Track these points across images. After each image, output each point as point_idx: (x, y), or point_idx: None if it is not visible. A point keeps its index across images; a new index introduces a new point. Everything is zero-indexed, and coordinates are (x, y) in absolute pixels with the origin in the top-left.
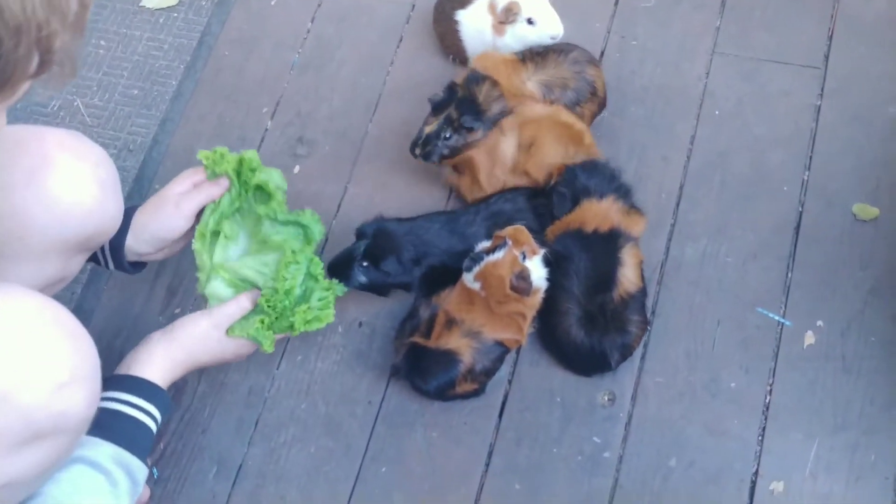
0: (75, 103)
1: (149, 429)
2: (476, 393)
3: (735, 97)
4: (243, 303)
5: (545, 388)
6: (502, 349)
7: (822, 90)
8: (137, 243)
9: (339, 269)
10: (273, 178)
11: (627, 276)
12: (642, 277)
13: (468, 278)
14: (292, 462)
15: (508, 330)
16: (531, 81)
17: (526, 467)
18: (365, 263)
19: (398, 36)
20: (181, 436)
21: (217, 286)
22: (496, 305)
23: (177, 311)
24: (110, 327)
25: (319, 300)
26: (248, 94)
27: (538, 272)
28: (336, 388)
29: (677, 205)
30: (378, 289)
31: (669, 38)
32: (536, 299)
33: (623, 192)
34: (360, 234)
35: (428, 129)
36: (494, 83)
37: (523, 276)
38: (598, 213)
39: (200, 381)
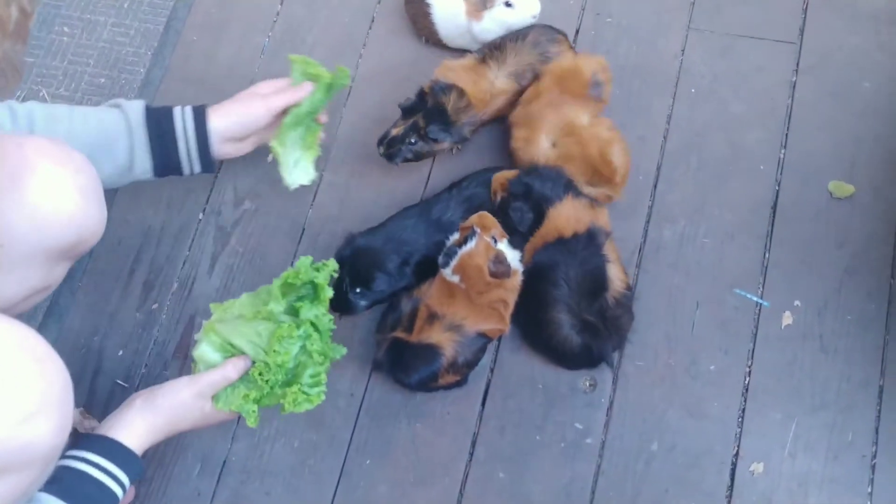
0: (41, 93)
1: (113, 494)
2: (459, 384)
3: (711, 74)
4: (229, 373)
5: (527, 375)
6: (484, 340)
7: (798, 66)
8: (221, 126)
9: (336, 305)
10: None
11: (617, 275)
12: (625, 272)
13: (447, 273)
14: (276, 457)
15: (490, 320)
16: (500, 78)
17: (509, 455)
18: (357, 290)
19: (370, 17)
20: None
21: (206, 351)
22: (477, 296)
23: (154, 306)
24: (87, 326)
25: (311, 377)
26: (220, 80)
27: (511, 254)
28: None
29: (655, 186)
30: (385, 301)
31: (645, 14)
32: (516, 282)
33: (575, 189)
34: (339, 260)
35: (395, 132)
36: (461, 92)
37: (500, 259)
38: (570, 216)
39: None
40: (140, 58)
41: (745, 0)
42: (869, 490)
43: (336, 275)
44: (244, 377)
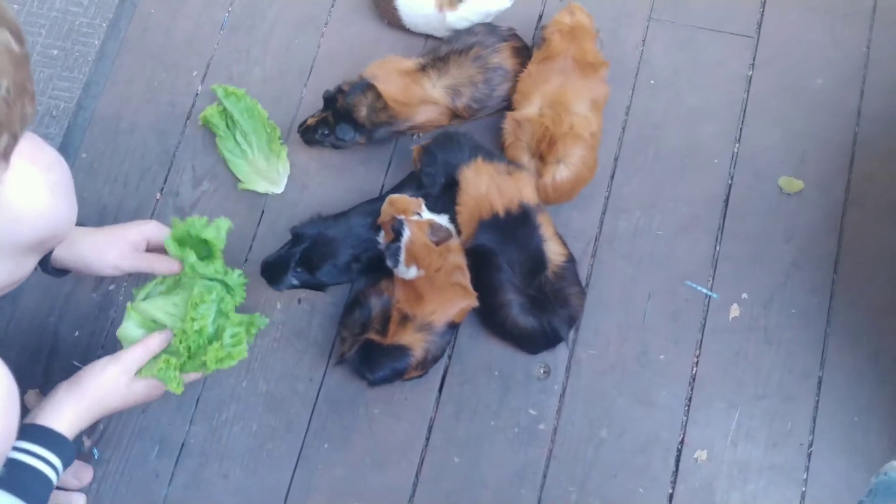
0: None
1: (48, 479)
2: (420, 376)
3: (670, 67)
4: (151, 345)
5: (484, 361)
6: (452, 331)
7: (755, 60)
8: (65, 255)
9: (272, 271)
10: (220, 234)
11: (553, 250)
12: (564, 244)
13: (402, 271)
14: (235, 440)
15: (457, 299)
16: (437, 88)
17: (465, 440)
18: (299, 269)
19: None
20: (121, 416)
21: (129, 328)
22: (437, 275)
23: (111, 287)
24: (42, 306)
25: (232, 337)
26: (177, 55)
27: (437, 217)
28: (277, 366)
29: (612, 177)
30: (313, 288)
31: (608, 2)
32: (457, 242)
33: (486, 153)
34: (297, 236)
35: (310, 121)
36: (378, 95)
37: (434, 227)
38: (486, 182)
39: None
40: (94, 29)
41: None
42: (804, 476)
43: (229, 232)
44: (167, 348)
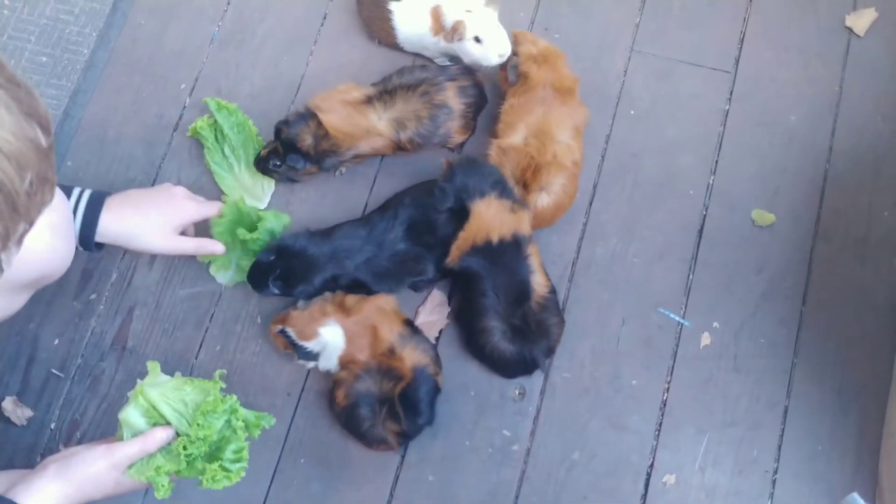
0: None
1: None
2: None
3: (650, 97)
4: (148, 446)
5: (460, 382)
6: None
7: (731, 94)
8: (110, 231)
9: (253, 278)
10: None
11: (539, 281)
12: (547, 275)
13: (332, 365)
14: None
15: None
16: (382, 120)
17: (440, 459)
18: (278, 283)
19: (322, 13)
20: (98, 424)
21: (132, 414)
22: (354, 312)
23: (92, 296)
24: (22, 312)
25: (234, 452)
26: (166, 67)
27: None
28: (255, 380)
29: (590, 204)
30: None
31: (591, 32)
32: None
33: (502, 189)
34: (281, 249)
35: (263, 152)
36: (319, 123)
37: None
38: (494, 221)
39: (118, 370)
40: (84, 38)
41: (687, 26)
42: (769, 503)
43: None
44: (165, 447)
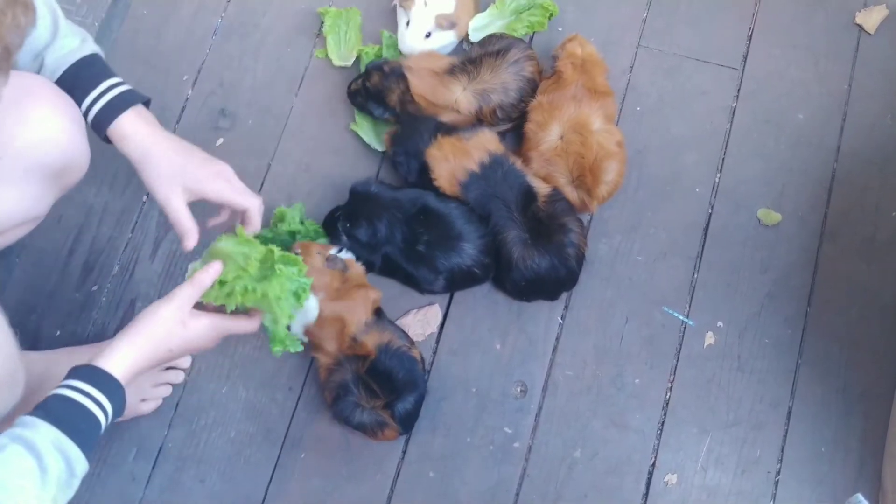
0: None
1: (97, 421)
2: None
3: (656, 94)
4: (202, 280)
5: (462, 378)
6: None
7: (739, 92)
8: (129, 129)
9: (327, 225)
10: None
11: (536, 183)
12: (543, 181)
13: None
14: (213, 446)
15: (366, 294)
16: (467, 91)
17: (440, 456)
18: (348, 224)
19: (326, 3)
20: None
21: (197, 266)
22: (343, 290)
23: (94, 288)
24: (24, 304)
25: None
26: (168, 59)
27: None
28: (257, 374)
29: None
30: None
31: (598, 27)
32: (359, 269)
33: (445, 129)
34: (351, 193)
35: (354, 86)
36: (407, 88)
37: (331, 258)
38: (449, 156)
39: None
40: (86, 28)
41: (695, 22)
42: None
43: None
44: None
